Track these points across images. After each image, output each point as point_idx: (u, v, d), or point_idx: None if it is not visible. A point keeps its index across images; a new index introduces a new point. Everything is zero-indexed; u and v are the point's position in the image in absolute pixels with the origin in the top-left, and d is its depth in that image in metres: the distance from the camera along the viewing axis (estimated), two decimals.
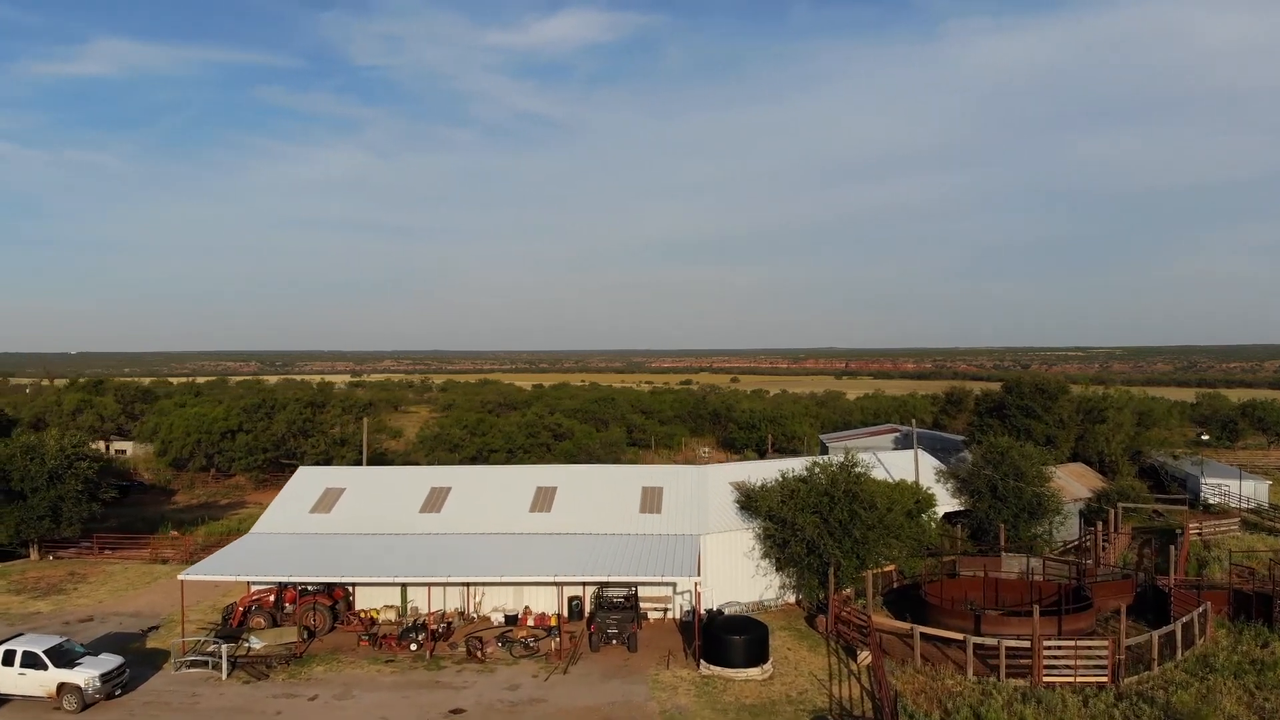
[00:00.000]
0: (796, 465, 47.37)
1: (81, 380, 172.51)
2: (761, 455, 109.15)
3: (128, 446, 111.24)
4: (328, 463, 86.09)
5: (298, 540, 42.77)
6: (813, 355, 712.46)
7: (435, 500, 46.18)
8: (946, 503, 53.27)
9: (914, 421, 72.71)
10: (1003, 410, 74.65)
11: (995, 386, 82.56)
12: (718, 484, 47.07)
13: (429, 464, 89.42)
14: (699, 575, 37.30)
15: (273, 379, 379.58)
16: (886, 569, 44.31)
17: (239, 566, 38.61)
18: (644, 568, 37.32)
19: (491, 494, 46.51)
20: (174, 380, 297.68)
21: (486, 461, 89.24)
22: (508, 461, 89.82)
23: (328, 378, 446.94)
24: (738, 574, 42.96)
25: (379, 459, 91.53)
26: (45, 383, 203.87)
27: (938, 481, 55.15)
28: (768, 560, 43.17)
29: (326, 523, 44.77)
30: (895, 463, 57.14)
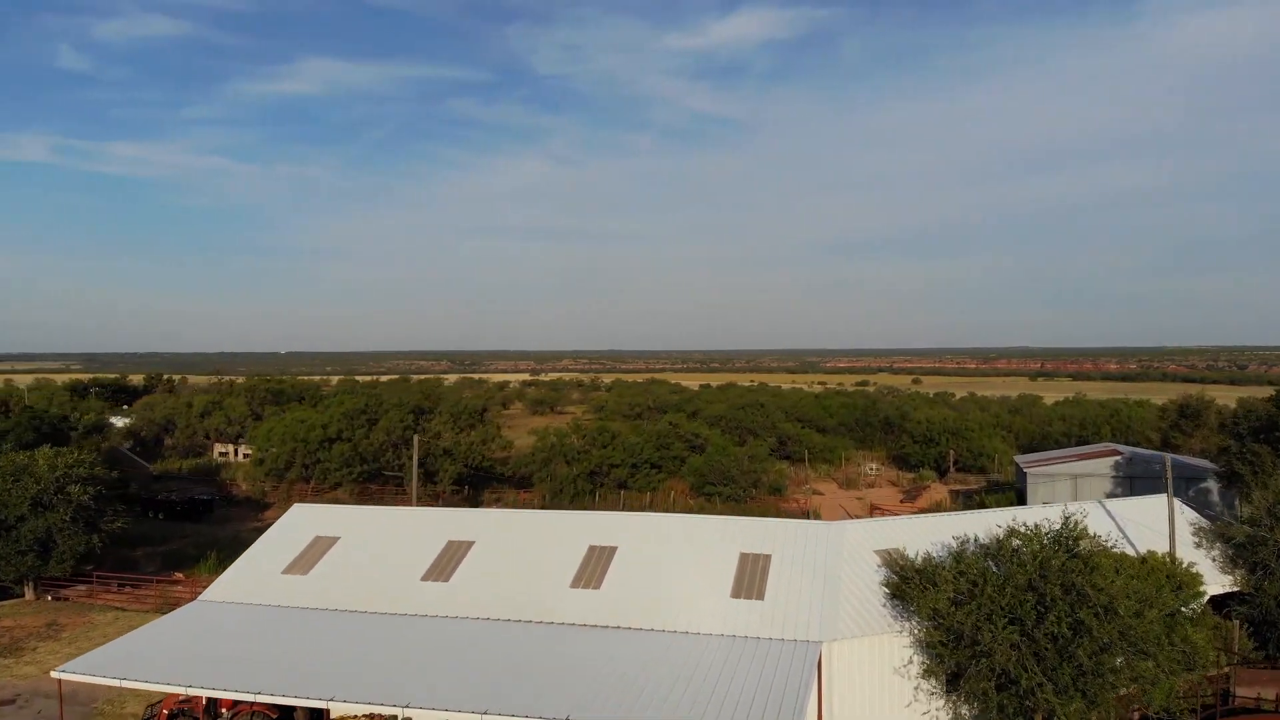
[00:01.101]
0: (980, 525, 30.61)
1: (239, 380, 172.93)
2: (941, 475, 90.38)
3: (230, 451, 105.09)
4: (429, 479, 75.01)
5: (247, 617, 30.08)
6: (1004, 355, 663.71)
7: (447, 561, 32.45)
8: (1212, 579, 35.01)
9: (1165, 459, 53.20)
10: (1275, 430, 53.95)
11: (1238, 393, 61.45)
12: (856, 552, 30.92)
13: (540, 480, 76.88)
14: None
15: (452, 378, 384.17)
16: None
17: (127, 665, 26.15)
18: (721, 709, 22.15)
19: (523, 554, 32.32)
20: (312, 379, 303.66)
21: (605, 479, 75.75)
22: (629, 479, 76.07)
23: (507, 377, 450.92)
24: (884, 701, 26.90)
25: (483, 475, 79.77)
26: (216, 381, 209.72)
27: (1198, 546, 36.82)
28: (932, 680, 26.92)
29: (298, 589, 31.93)
30: (1130, 515, 38.83)
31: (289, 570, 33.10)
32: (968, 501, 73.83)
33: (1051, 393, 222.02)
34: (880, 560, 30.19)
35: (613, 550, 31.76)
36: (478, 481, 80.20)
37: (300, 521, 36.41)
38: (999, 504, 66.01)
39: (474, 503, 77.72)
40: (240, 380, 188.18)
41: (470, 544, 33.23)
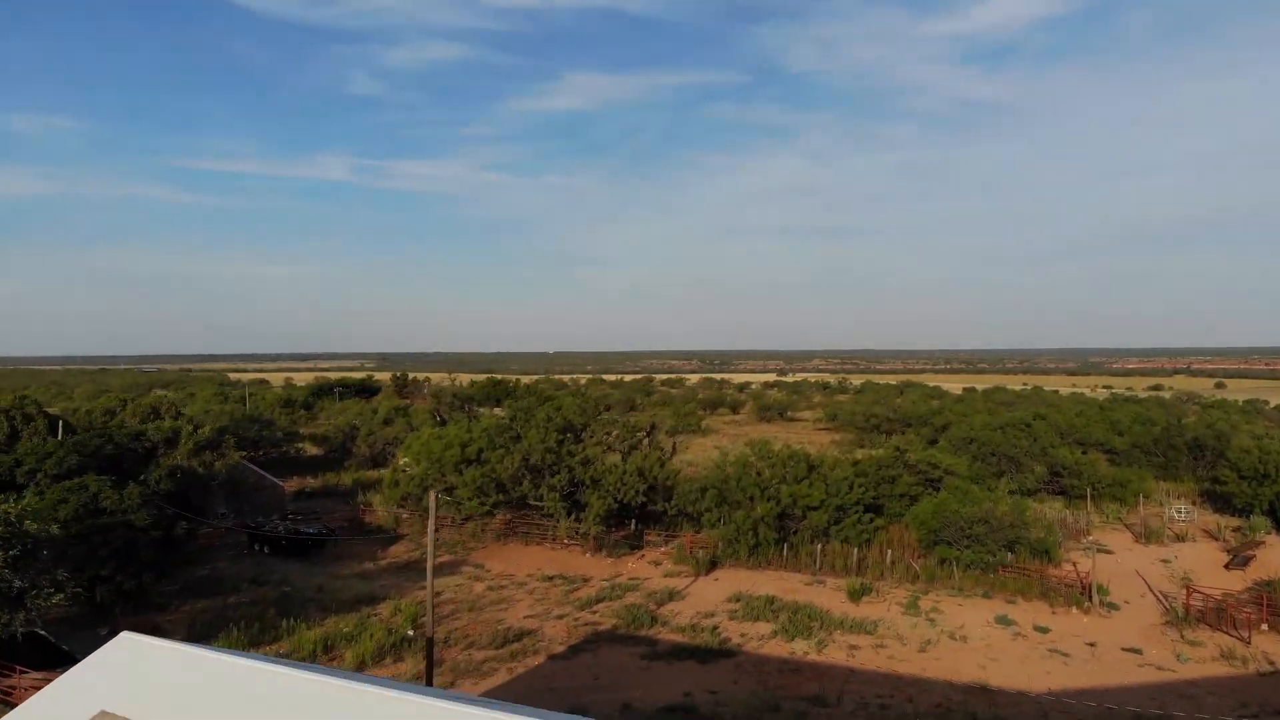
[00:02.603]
0: None
1: (458, 381, 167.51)
2: (1278, 525, 62.21)
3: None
4: (571, 514, 58.53)
5: None
6: None
7: None
8: None
9: None
10: None
11: None
12: None
13: (710, 522, 58.20)
14: None
15: (693, 378, 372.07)
16: None
17: None
18: None
19: None
20: (526, 379, 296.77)
21: (799, 524, 55.88)
22: (832, 526, 55.71)
23: (751, 377, 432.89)
24: None
25: (646, 512, 61.95)
26: (448, 380, 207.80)
27: None
28: None
29: None
30: None
31: None
32: None
33: None
34: None
35: None
36: (646, 518, 62.75)
37: (94, 679, 19.93)
38: None
39: (636, 544, 60.36)
40: (451, 382, 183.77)
41: None
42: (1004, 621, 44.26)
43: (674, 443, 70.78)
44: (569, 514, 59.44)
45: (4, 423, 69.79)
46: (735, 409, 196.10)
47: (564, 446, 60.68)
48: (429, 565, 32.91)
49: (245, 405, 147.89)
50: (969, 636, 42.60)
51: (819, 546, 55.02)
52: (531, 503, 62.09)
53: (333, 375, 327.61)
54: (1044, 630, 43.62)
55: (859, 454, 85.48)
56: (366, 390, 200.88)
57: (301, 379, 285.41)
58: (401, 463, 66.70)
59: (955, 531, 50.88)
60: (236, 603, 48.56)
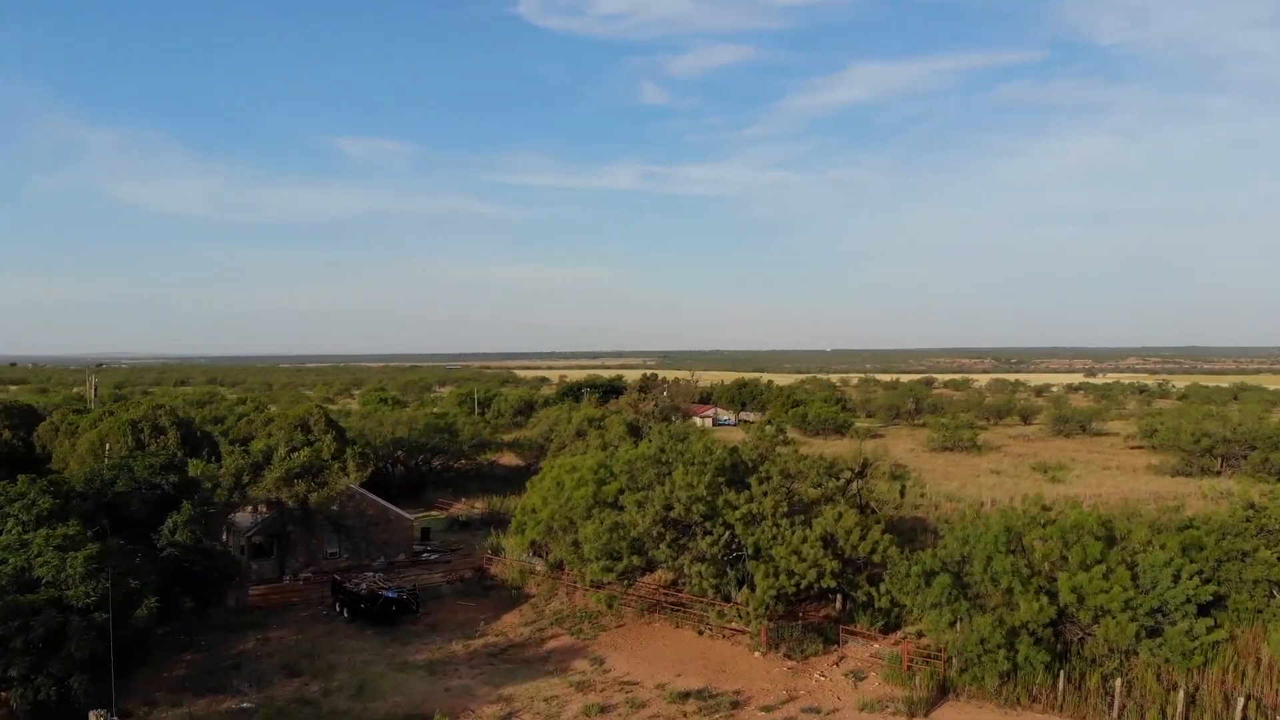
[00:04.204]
0: None
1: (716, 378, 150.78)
2: None
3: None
4: (730, 587, 39.76)
5: None
6: None
7: None
8: None
9: None
10: None
11: None
12: None
13: (936, 625, 36.75)
14: None
15: (982, 379, 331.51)
16: None
17: None
18: None
19: None
20: (787, 379, 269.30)
21: (1087, 632, 33.51)
22: (1139, 642, 32.59)
23: (1053, 378, 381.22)
24: None
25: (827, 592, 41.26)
26: (690, 379, 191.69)
27: None
28: None
29: None
30: None
31: None
32: None
33: None
34: None
35: None
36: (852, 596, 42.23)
37: None
38: None
39: (831, 637, 40.31)
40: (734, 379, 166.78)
41: None
42: None
43: (903, 486, 48.96)
44: (721, 590, 40.48)
45: (128, 435, 62.29)
46: (1027, 418, 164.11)
47: (720, 495, 41.60)
48: None
49: (472, 406, 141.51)
50: None
51: (1116, 683, 32.30)
52: (668, 571, 43.86)
53: (607, 374, 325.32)
54: None
55: (1186, 503, 58.62)
56: (613, 391, 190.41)
57: (575, 377, 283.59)
58: (532, 500, 50.81)
59: None
60: (237, 710, 34.55)
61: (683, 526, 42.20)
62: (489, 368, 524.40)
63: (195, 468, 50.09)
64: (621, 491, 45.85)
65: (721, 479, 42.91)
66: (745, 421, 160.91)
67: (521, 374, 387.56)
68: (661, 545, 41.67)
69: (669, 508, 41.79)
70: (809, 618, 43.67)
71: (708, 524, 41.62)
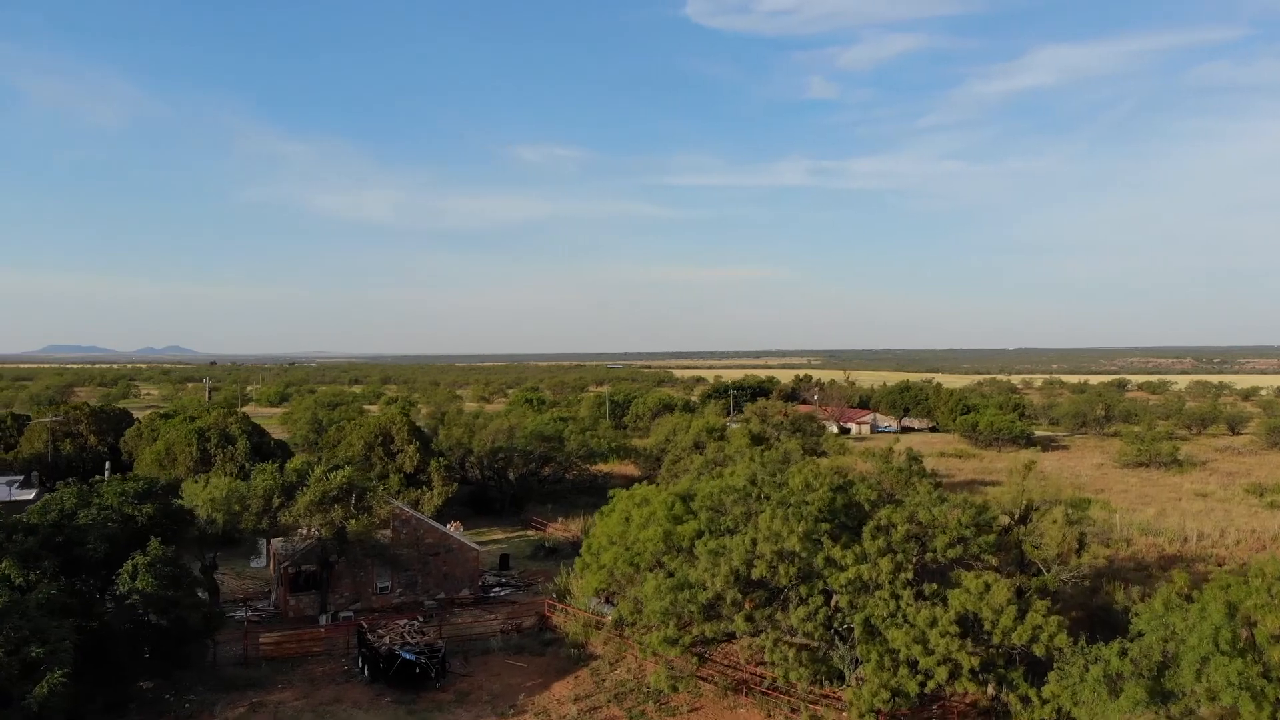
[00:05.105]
0: None
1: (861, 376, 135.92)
2: None
3: None
4: (840, 675, 28.73)
5: None
6: None
7: None
8: None
9: None
10: None
11: None
12: None
13: None
14: None
15: (1180, 380, 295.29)
16: None
17: None
18: None
19: None
20: (954, 382, 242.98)
21: None
22: None
23: (1261, 380, 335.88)
24: None
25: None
26: (845, 381, 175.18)
27: None
28: None
29: None
30: None
31: None
32: None
33: None
34: None
35: None
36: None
37: None
38: None
39: None
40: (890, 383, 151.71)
41: None
42: None
43: (1081, 538, 35.94)
44: (816, 676, 29.47)
45: (194, 445, 57.15)
46: (1235, 427, 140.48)
47: (820, 551, 30.48)
48: None
49: (605, 409, 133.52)
50: None
51: None
52: (745, 645, 33.09)
53: (764, 374, 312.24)
54: None
55: None
56: (762, 392, 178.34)
57: (731, 376, 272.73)
58: (598, 539, 41.11)
59: None
60: None
61: (771, 589, 31.40)
62: (649, 367, 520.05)
63: (259, 475, 43.81)
64: (700, 534, 35.43)
65: (826, 526, 31.76)
66: (909, 429, 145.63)
67: (679, 374, 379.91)
68: (738, 616, 31.02)
69: (749, 563, 31.08)
70: (950, 706, 32.01)
71: (802, 589, 30.67)
